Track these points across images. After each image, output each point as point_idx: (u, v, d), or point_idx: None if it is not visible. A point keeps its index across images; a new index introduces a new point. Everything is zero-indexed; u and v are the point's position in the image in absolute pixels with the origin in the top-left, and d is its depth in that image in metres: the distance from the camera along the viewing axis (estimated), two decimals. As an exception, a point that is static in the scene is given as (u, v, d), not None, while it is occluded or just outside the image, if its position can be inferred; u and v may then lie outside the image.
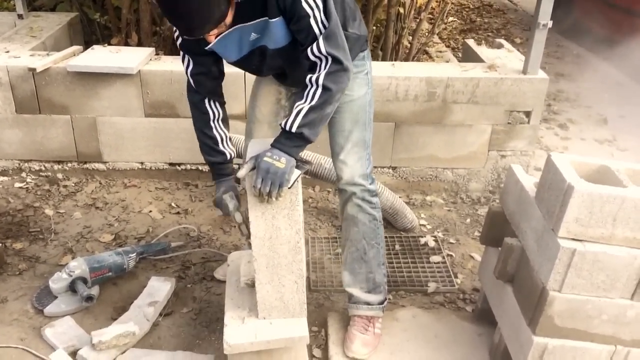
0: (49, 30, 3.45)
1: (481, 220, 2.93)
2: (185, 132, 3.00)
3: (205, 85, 1.86)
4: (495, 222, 2.04)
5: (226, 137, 1.94)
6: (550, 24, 2.78)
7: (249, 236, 1.79)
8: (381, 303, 2.10)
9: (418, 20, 3.80)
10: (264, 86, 2.06)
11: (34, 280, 2.41)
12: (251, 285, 1.89)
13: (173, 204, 3.01)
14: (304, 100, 1.62)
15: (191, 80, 1.86)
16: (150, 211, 2.93)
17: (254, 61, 1.77)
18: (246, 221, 1.84)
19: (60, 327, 2.12)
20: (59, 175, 3.18)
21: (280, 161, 1.58)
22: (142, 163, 3.18)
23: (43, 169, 3.19)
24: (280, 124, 1.64)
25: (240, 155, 2.55)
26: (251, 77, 2.10)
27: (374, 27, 3.68)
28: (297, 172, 1.63)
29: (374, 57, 2.85)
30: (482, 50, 3.40)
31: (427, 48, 4.07)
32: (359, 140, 1.92)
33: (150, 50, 3.11)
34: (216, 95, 1.90)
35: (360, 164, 1.93)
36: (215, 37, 1.65)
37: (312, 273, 2.51)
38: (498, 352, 1.97)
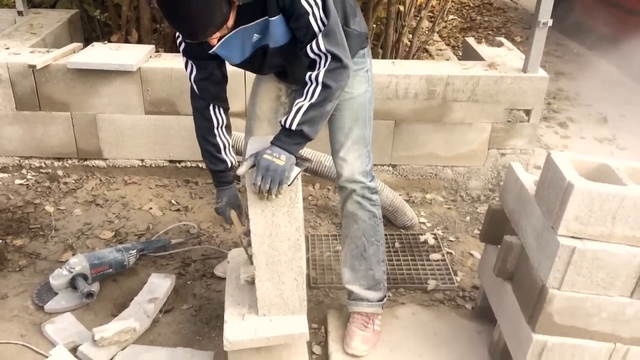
0: (49, 27, 3.45)
1: (481, 218, 2.93)
2: (185, 130, 3.01)
3: (209, 90, 1.86)
4: (495, 219, 2.04)
5: (229, 144, 1.95)
6: (550, 22, 2.78)
7: (252, 262, 1.79)
8: (381, 300, 2.10)
9: (418, 18, 3.80)
10: (264, 83, 2.06)
11: (34, 276, 2.41)
12: (251, 282, 1.89)
13: (173, 201, 3.01)
14: (303, 97, 1.62)
15: (195, 87, 1.86)
16: (151, 208, 2.94)
17: (256, 61, 1.77)
18: (249, 238, 1.84)
19: (60, 323, 2.13)
20: (59, 172, 3.18)
21: (280, 159, 1.58)
22: (142, 160, 3.18)
23: (43, 165, 3.19)
24: (280, 122, 1.64)
25: (239, 153, 2.55)
26: (251, 75, 2.10)
27: (374, 25, 3.68)
28: (297, 170, 1.63)
29: (374, 55, 2.85)
30: (482, 49, 3.40)
31: (427, 46, 4.07)
32: (359, 138, 1.93)
33: (150, 48, 3.11)
34: (220, 101, 1.90)
35: (360, 161, 1.93)
36: (218, 41, 1.65)
37: (312, 270, 2.51)
38: (497, 350, 1.98)
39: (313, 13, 1.57)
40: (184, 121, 3.00)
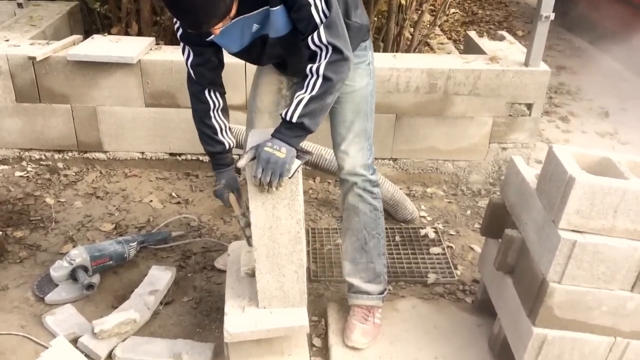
0: (49, 19, 3.44)
1: (481, 212, 2.93)
2: (185, 123, 3.00)
3: (205, 76, 1.86)
4: (496, 213, 2.04)
5: (226, 126, 1.94)
6: (552, 16, 2.76)
7: (250, 243, 1.79)
8: (381, 293, 2.10)
9: (419, 11, 3.79)
10: (265, 76, 2.05)
11: (34, 268, 2.42)
12: (251, 274, 1.89)
13: (174, 194, 3.01)
14: (304, 90, 1.61)
15: (191, 72, 1.86)
16: (151, 201, 2.94)
17: (255, 51, 1.77)
18: (248, 218, 1.84)
19: (61, 314, 2.13)
20: (60, 165, 3.18)
21: (281, 151, 1.58)
22: (142, 153, 3.17)
23: (43, 158, 3.19)
24: (281, 114, 1.63)
25: (240, 146, 2.55)
26: (252, 68, 2.09)
27: (375, 19, 3.66)
28: (297, 162, 1.62)
29: (375, 49, 2.84)
30: (484, 42, 3.39)
31: (428, 40, 4.05)
32: (360, 131, 1.92)
33: (150, 40, 3.10)
34: (216, 86, 1.90)
35: (362, 154, 1.93)
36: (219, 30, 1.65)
37: (313, 263, 2.51)
38: (497, 343, 1.98)
39: (315, 4, 1.56)
40: (184, 114, 2.99)
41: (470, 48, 3.48)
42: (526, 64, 2.94)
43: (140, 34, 3.42)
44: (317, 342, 2.11)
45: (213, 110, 1.90)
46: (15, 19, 3.45)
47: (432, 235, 2.74)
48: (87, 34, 3.42)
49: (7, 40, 3.08)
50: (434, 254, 2.61)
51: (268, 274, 1.77)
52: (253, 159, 1.60)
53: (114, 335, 2.01)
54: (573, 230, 1.60)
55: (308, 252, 2.54)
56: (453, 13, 6.12)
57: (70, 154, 3.18)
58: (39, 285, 2.28)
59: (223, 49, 1.83)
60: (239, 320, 1.78)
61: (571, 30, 6.08)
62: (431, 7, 4.34)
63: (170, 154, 3.17)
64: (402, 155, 3.12)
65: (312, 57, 1.62)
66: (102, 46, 2.99)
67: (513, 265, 1.88)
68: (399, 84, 2.91)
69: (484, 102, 2.96)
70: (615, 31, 5.24)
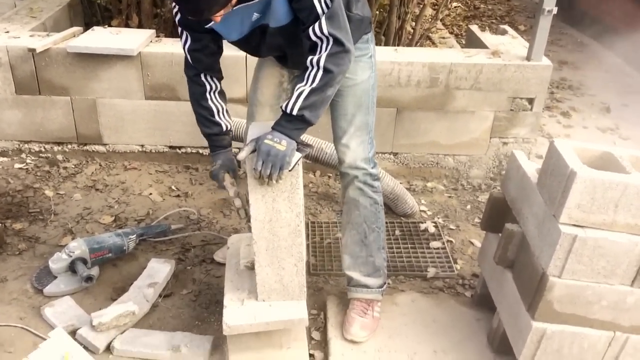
0: (49, 11, 3.42)
1: (481, 207, 2.92)
2: (185, 115, 2.99)
3: (202, 61, 1.84)
4: (496, 208, 2.03)
5: (222, 108, 1.92)
6: (555, 10, 2.75)
7: (248, 219, 1.79)
8: (380, 287, 2.10)
9: (421, 5, 3.77)
10: (266, 69, 2.04)
11: (33, 260, 2.41)
12: (251, 267, 1.89)
13: (173, 187, 3.01)
14: (304, 82, 1.60)
15: (188, 56, 1.84)
16: (151, 194, 2.93)
17: (254, 40, 1.75)
18: (245, 204, 1.83)
19: (59, 306, 2.13)
20: (59, 157, 3.17)
21: (281, 144, 1.57)
22: (142, 146, 3.17)
23: (43, 150, 3.18)
24: (281, 107, 1.62)
25: (240, 139, 2.54)
26: (252, 61, 2.08)
27: (377, 12, 3.65)
28: (297, 155, 1.62)
29: (377, 43, 2.82)
30: (486, 37, 3.37)
31: (430, 34, 4.03)
32: (361, 124, 1.91)
33: (150, 32, 3.08)
34: (214, 71, 1.88)
35: (363, 147, 1.92)
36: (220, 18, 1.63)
37: (312, 257, 2.51)
38: (496, 337, 1.98)
39: (317, -6, 1.55)
40: (184, 107, 2.98)
41: (472, 42, 3.47)
42: (528, 58, 2.93)
43: (140, 26, 3.40)
44: (316, 335, 2.11)
45: (209, 92, 1.88)
46: (15, 10, 3.44)
47: (432, 229, 2.73)
48: (87, 26, 3.41)
49: (7, 32, 3.07)
50: (434, 248, 2.60)
51: (267, 267, 1.77)
52: (253, 151, 1.59)
53: (112, 328, 2.01)
54: (574, 225, 1.59)
55: (308, 245, 2.54)
56: (455, 7, 6.10)
57: (69, 146, 3.17)
58: (37, 277, 2.28)
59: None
60: (238, 313, 1.78)
61: (574, 25, 6.05)
62: (433, 1, 4.32)
63: (170, 147, 3.16)
64: (403, 149, 3.11)
65: (313, 48, 1.61)
66: (102, 38, 2.98)
67: (513, 260, 1.88)
68: (400, 78, 2.90)
69: (485, 96, 2.95)
70: (619, 26, 5.22)
